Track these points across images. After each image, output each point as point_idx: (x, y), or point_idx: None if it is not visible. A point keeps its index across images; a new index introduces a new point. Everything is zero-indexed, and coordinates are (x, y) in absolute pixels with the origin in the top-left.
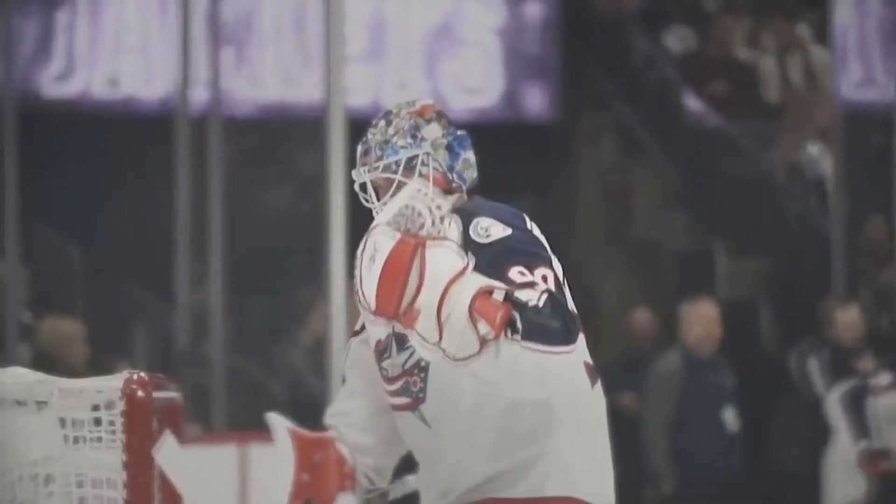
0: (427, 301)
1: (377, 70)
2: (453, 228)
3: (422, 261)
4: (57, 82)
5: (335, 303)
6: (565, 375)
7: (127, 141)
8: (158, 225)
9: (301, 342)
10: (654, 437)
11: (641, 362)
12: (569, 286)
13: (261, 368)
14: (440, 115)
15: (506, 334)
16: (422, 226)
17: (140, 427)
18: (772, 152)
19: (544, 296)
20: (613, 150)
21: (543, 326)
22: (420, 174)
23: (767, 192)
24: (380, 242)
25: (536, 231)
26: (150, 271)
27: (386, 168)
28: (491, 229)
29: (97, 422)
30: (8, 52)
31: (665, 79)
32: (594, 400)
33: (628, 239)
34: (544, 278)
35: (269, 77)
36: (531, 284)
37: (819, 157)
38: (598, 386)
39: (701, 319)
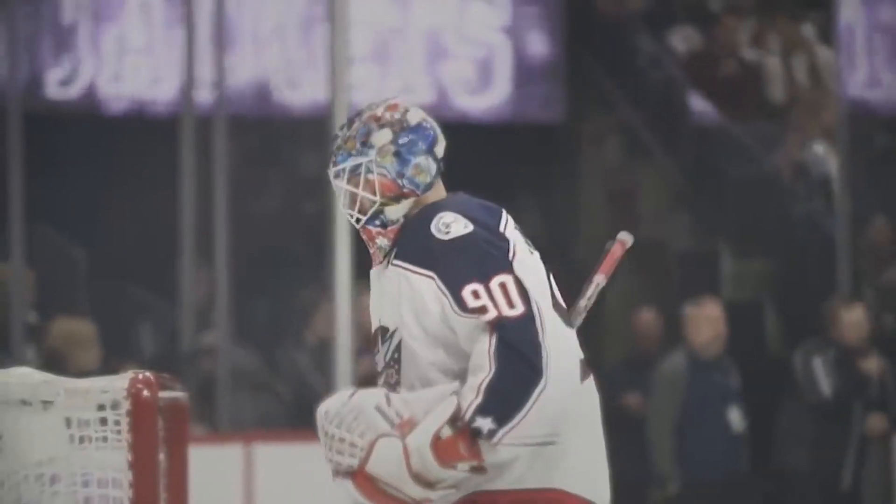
0: (414, 493)
1: (382, 70)
2: (368, 420)
3: (377, 479)
4: (61, 83)
5: (340, 302)
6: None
7: (132, 141)
8: (163, 225)
9: (306, 342)
10: (659, 438)
11: (646, 363)
12: (575, 286)
13: (265, 368)
14: (396, 120)
15: (483, 438)
16: (349, 466)
17: (145, 427)
18: (776, 153)
19: (493, 342)
20: (617, 150)
21: (508, 391)
22: (367, 181)
23: (772, 193)
24: (350, 492)
25: (510, 228)
26: (155, 272)
27: (336, 175)
28: (452, 225)
29: (103, 421)
30: (12, 53)
31: (669, 79)
32: (584, 395)
33: (632, 240)
34: (502, 287)
35: (273, 77)
36: (482, 310)
37: (824, 157)
38: (590, 381)
39: (707, 321)
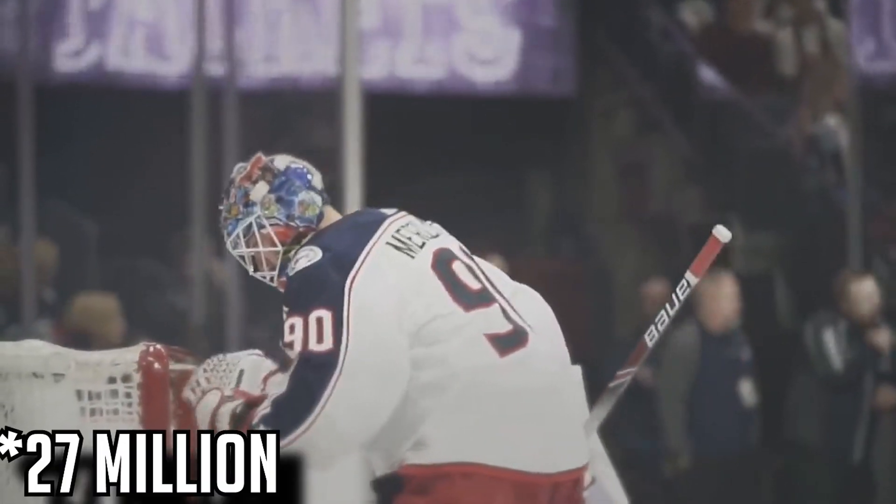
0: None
1: (392, 43)
2: (225, 377)
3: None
4: (72, 56)
5: None
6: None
7: (142, 115)
8: (174, 199)
9: None
10: (670, 411)
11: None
12: (585, 259)
13: (276, 342)
14: (266, 170)
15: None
16: (187, 399)
17: (156, 399)
18: (787, 126)
19: (294, 365)
20: (628, 124)
21: (285, 416)
22: (263, 236)
23: (783, 166)
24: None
25: (381, 243)
26: (166, 246)
27: (233, 245)
28: (300, 260)
29: (114, 394)
30: (22, 26)
31: (680, 52)
32: (507, 370)
33: (643, 214)
34: (318, 321)
35: (284, 50)
36: (291, 346)
37: (835, 130)
38: (522, 353)
39: (725, 297)
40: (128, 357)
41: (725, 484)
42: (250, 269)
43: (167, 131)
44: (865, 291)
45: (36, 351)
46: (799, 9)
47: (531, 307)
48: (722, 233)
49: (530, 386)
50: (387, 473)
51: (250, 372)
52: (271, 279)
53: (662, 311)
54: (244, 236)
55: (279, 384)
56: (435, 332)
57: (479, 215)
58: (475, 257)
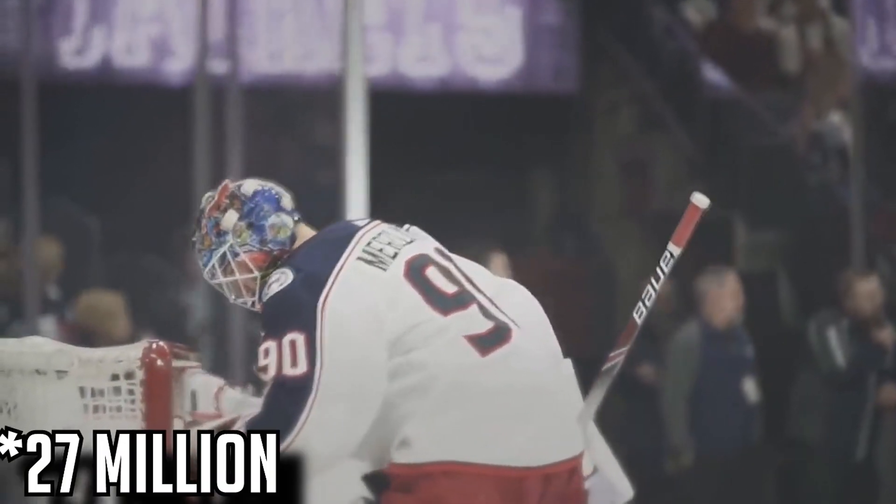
0: None
1: (396, 39)
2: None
3: None
4: (75, 53)
5: None
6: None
7: (145, 112)
8: (177, 196)
9: None
10: (673, 409)
11: (659, 333)
12: (587, 257)
13: None
14: (233, 197)
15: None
16: None
17: (159, 396)
18: (791, 123)
19: (269, 388)
20: (631, 121)
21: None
22: (238, 264)
23: (786, 164)
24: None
25: (353, 257)
26: (169, 243)
27: (211, 276)
28: (273, 285)
29: (117, 391)
30: (26, 23)
31: (683, 50)
32: (487, 369)
33: (646, 211)
34: (291, 344)
35: (287, 47)
36: (265, 370)
37: (839, 127)
38: (504, 350)
39: (728, 294)
40: (131, 354)
41: (728, 481)
42: (231, 298)
43: (170, 128)
44: (869, 289)
45: (39, 348)
46: (802, 6)
47: (516, 302)
48: (700, 199)
49: (514, 382)
50: (374, 471)
51: (202, 391)
52: (252, 304)
53: (648, 287)
54: (220, 266)
55: (234, 400)
56: (413, 341)
57: (481, 213)
58: (454, 256)
